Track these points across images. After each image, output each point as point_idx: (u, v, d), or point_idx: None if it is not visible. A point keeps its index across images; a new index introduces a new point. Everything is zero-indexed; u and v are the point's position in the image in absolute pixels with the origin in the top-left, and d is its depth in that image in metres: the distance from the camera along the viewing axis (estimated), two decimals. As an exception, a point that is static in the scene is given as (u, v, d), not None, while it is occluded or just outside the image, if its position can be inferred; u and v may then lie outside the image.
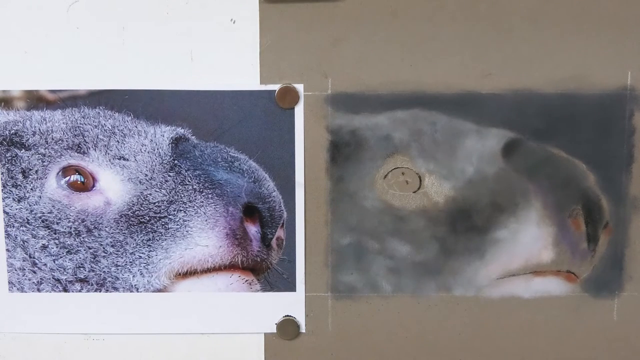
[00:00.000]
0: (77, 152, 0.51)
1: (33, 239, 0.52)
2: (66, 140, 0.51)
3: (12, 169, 0.51)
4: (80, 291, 0.53)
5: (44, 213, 0.52)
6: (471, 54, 0.50)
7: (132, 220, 0.52)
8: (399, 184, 0.52)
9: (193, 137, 0.51)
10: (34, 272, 0.53)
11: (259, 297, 0.53)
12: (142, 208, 0.51)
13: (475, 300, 0.54)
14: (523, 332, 0.54)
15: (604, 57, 0.51)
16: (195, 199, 0.51)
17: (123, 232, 0.52)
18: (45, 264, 0.53)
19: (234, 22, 0.50)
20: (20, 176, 0.51)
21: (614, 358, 0.55)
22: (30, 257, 0.52)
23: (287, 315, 0.54)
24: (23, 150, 0.51)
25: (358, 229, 0.53)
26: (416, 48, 0.50)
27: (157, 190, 0.51)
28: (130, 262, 0.52)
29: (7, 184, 0.52)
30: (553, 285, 0.53)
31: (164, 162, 0.51)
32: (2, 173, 0.51)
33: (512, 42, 0.50)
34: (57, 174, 0.51)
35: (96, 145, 0.51)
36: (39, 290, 0.53)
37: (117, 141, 0.51)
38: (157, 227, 0.52)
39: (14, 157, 0.51)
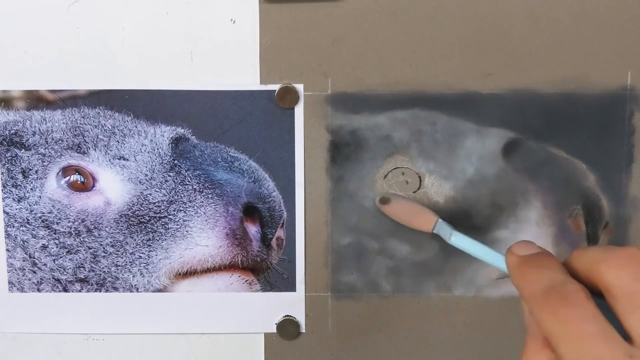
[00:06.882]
0: (77, 152, 0.51)
1: (33, 239, 0.52)
2: (66, 140, 0.51)
3: (12, 169, 0.51)
4: (80, 291, 0.53)
5: (44, 213, 0.52)
6: (471, 54, 0.50)
7: (132, 220, 0.52)
8: (399, 184, 0.52)
9: (193, 137, 0.51)
10: (34, 272, 0.53)
11: (259, 297, 0.53)
12: (142, 208, 0.51)
13: (475, 300, 0.54)
14: (523, 332, 0.54)
15: (604, 57, 0.51)
16: (195, 199, 0.51)
17: (123, 232, 0.52)
18: (45, 264, 0.53)
19: (234, 22, 0.50)
20: (20, 176, 0.51)
21: (614, 358, 0.55)
22: (30, 257, 0.52)
23: (287, 315, 0.54)
24: (23, 150, 0.51)
25: (358, 229, 0.53)
26: (416, 48, 0.50)
27: (157, 190, 0.51)
28: (130, 262, 0.52)
29: (7, 184, 0.52)
30: (553, 285, 0.53)
31: (164, 162, 0.51)
32: (2, 173, 0.51)
33: (512, 42, 0.50)
34: (57, 174, 0.51)
35: (96, 145, 0.51)
36: (39, 290, 0.53)
37: (117, 141, 0.51)
38: (157, 227, 0.52)
39: (14, 157, 0.51)
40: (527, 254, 0.35)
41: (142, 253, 0.52)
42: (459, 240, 0.47)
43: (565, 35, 0.50)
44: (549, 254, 0.35)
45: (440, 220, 0.49)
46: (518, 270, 0.35)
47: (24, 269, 0.53)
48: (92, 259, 0.52)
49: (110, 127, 0.51)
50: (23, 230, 0.52)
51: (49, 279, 0.53)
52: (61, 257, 0.52)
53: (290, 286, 0.53)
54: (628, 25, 0.50)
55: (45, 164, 0.51)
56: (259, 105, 0.51)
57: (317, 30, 0.50)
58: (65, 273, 0.53)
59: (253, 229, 0.52)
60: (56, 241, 0.52)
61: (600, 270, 0.31)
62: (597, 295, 0.32)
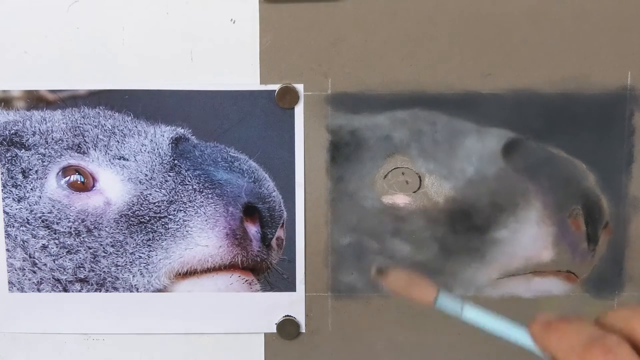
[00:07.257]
0: (77, 152, 0.51)
1: (33, 239, 0.52)
2: (66, 140, 0.51)
3: (12, 169, 0.51)
4: (80, 291, 0.53)
5: (44, 213, 0.52)
6: (471, 54, 0.50)
7: (132, 220, 0.52)
8: (399, 184, 0.52)
9: (193, 137, 0.51)
10: (34, 272, 0.53)
11: (259, 297, 0.53)
12: (142, 208, 0.51)
13: (475, 300, 0.54)
14: (523, 332, 0.54)
15: (604, 57, 0.51)
16: (195, 199, 0.51)
17: (123, 232, 0.52)
18: (45, 264, 0.53)
19: (234, 22, 0.50)
20: (20, 176, 0.51)
21: (614, 358, 0.55)
22: (30, 257, 0.52)
23: (287, 315, 0.54)
24: (23, 150, 0.51)
25: (358, 229, 0.53)
26: (416, 48, 0.50)
27: (157, 190, 0.51)
28: (130, 262, 0.52)
29: (7, 184, 0.52)
30: (553, 285, 0.53)
31: (164, 162, 0.51)
32: (2, 173, 0.51)
33: (512, 42, 0.50)
34: (57, 174, 0.51)
35: (96, 145, 0.51)
36: (39, 290, 0.53)
37: (117, 141, 0.51)
38: (157, 227, 0.52)
39: (14, 157, 0.51)
40: (552, 319, 0.35)
41: (142, 253, 0.52)
42: (474, 314, 0.41)
43: (565, 35, 0.50)
44: (574, 316, 0.35)
45: (442, 292, 0.41)
46: (548, 334, 0.34)
47: (24, 269, 0.53)
48: (92, 259, 0.52)
49: (110, 127, 0.51)
50: (23, 230, 0.52)
51: (49, 279, 0.53)
52: (61, 257, 0.52)
53: (290, 286, 0.53)
54: (628, 25, 0.50)
55: (45, 164, 0.51)
56: (259, 105, 0.51)
57: (317, 30, 0.50)
58: (65, 273, 0.53)
59: (253, 229, 0.52)
60: (56, 241, 0.52)
61: (634, 326, 0.31)
62: None
